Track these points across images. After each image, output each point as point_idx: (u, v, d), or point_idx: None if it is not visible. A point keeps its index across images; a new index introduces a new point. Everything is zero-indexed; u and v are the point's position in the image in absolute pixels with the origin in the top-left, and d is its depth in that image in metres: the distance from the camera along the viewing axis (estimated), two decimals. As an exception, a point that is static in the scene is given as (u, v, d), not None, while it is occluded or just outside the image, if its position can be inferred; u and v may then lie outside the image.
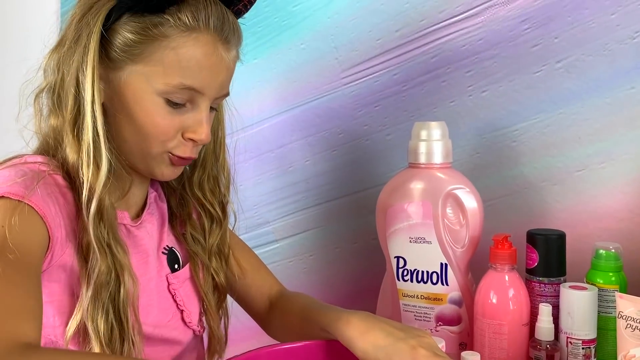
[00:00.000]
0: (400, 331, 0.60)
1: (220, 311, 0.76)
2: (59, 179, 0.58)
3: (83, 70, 0.57)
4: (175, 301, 0.70)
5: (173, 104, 0.60)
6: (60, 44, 0.60)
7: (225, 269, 0.75)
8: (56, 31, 0.66)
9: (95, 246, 0.55)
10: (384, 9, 0.99)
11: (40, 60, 0.62)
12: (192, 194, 0.72)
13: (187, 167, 0.71)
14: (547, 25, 0.91)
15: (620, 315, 0.63)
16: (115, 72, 0.59)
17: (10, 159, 0.60)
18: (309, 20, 1.04)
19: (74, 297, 0.57)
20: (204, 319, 0.74)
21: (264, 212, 1.10)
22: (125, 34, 0.58)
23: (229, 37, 0.61)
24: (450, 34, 0.95)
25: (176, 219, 0.73)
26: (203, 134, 0.62)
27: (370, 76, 1.01)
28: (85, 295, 0.55)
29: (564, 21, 0.90)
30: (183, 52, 0.58)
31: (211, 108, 0.64)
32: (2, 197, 0.52)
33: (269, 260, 1.00)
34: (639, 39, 0.87)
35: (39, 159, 0.59)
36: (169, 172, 0.64)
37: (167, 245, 0.70)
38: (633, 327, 0.62)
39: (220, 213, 0.73)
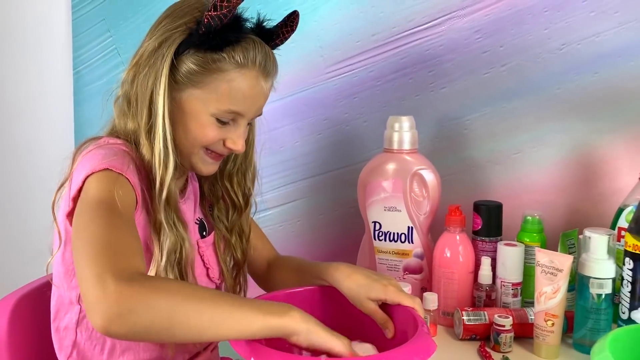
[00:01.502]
0: (376, 275, 0.80)
1: (238, 281, 0.89)
2: (139, 164, 0.73)
3: (157, 89, 0.72)
4: (203, 261, 0.85)
5: (220, 122, 0.75)
6: (137, 62, 0.75)
7: (243, 247, 0.89)
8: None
9: (165, 225, 0.72)
10: (363, 16, 1.17)
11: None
12: (222, 183, 0.86)
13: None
14: (494, 35, 1.11)
15: (538, 264, 0.86)
16: (178, 92, 0.74)
17: (91, 140, 0.75)
18: (299, 22, 1.21)
19: (149, 252, 0.73)
20: (222, 285, 0.89)
21: (257, 184, 1.29)
22: (189, 64, 0.73)
23: (269, 71, 0.77)
24: (417, 39, 1.15)
25: (205, 199, 0.88)
26: (240, 145, 0.77)
27: (350, 72, 1.19)
28: (161, 259, 0.72)
29: (508, 33, 1.10)
30: (234, 84, 0.73)
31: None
32: (107, 169, 0.68)
33: (262, 225, 1.16)
34: (565, 49, 1.09)
35: (119, 141, 0.74)
36: (209, 168, 0.80)
37: (198, 217, 0.86)
38: (546, 272, 0.85)
39: (242, 202, 0.87)
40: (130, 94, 0.75)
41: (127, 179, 0.69)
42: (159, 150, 0.72)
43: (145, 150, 0.73)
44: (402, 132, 1.01)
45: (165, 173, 0.72)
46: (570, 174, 1.11)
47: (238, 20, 0.74)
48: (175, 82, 0.74)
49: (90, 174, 0.68)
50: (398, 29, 1.15)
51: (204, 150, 0.78)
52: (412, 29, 1.15)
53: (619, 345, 0.65)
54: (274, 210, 1.28)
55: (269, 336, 0.63)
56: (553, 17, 1.08)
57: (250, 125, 0.84)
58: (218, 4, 0.70)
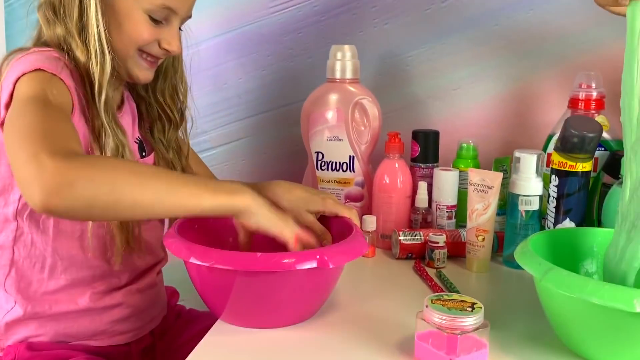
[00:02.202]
0: (315, 190, 0.85)
1: None
2: (72, 68, 0.71)
3: None
4: None
5: (154, 20, 0.75)
6: None
7: (183, 164, 0.90)
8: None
9: (107, 127, 0.71)
10: (307, -51, 1.17)
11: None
12: (155, 99, 0.86)
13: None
14: (435, -29, 1.14)
15: (470, 183, 0.90)
16: None
17: (17, 51, 0.72)
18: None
19: None
20: None
21: (201, 123, 1.24)
22: None
23: None
24: (361, -26, 1.16)
25: (144, 120, 0.88)
26: (175, 45, 0.78)
27: (295, 6, 1.18)
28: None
29: (448, -31, 1.13)
30: None
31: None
32: (39, 69, 0.66)
33: (207, 164, 1.18)
34: (503, -14, 1.12)
35: (51, 49, 0.72)
36: (144, 74, 0.79)
37: (137, 137, 0.86)
38: (478, 190, 0.89)
39: (177, 117, 0.88)
40: (56, 0, 0.73)
41: (62, 79, 0.68)
42: (94, 50, 0.71)
43: (79, 52, 0.72)
44: (345, 60, 1.02)
45: (102, 75, 0.71)
46: (505, 107, 1.15)
47: None
48: None
49: (21, 76, 0.66)
50: (342, -37, 1.16)
51: (139, 53, 0.77)
52: (356, -38, 1.15)
53: (539, 245, 0.70)
54: (219, 149, 1.28)
55: (217, 215, 0.64)
56: (491, -46, 1.11)
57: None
58: None
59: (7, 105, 0.67)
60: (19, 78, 0.66)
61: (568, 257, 0.72)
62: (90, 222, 0.73)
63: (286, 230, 0.67)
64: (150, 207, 0.61)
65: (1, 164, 0.73)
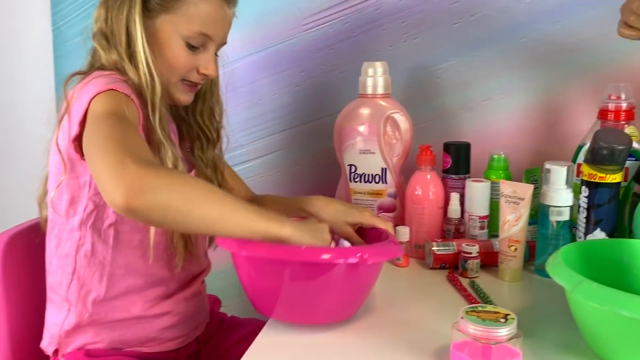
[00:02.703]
0: (352, 204, 0.91)
1: None
2: (128, 82, 0.77)
3: (132, 16, 0.77)
4: None
5: (191, 47, 0.81)
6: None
7: (218, 180, 0.95)
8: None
9: (165, 142, 0.77)
10: (337, -31, 1.21)
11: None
12: (195, 120, 0.92)
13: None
14: (463, -14, 1.16)
15: (502, 195, 0.92)
16: (150, 20, 0.79)
17: (83, 73, 0.79)
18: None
19: None
20: None
21: (237, 137, 1.32)
22: None
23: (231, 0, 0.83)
24: (390, -9, 1.19)
25: (184, 139, 0.94)
26: (212, 69, 0.83)
27: (326, 24, 1.23)
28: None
29: (476, -17, 1.16)
30: (202, 7, 0.80)
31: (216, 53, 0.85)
32: (113, 89, 0.72)
33: (243, 177, 1.21)
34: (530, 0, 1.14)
35: (114, 72, 0.78)
36: (185, 97, 0.85)
37: (180, 157, 0.91)
38: (509, 201, 0.91)
39: (214, 136, 0.94)
40: (106, 29, 0.80)
41: (132, 99, 0.74)
42: (144, 73, 0.77)
43: (132, 74, 0.78)
44: (376, 77, 1.06)
45: (154, 95, 0.77)
46: (535, 118, 1.17)
47: None
48: (147, 11, 0.79)
49: (95, 95, 0.72)
50: (372, -19, 1.19)
51: (182, 81, 0.83)
52: (385, -20, 1.19)
53: (570, 256, 0.72)
54: (254, 161, 1.32)
55: (265, 240, 0.69)
56: (519, -32, 1.13)
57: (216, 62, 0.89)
58: None
59: (81, 123, 0.72)
60: (93, 97, 0.72)
61: (599, 269, 0.74)
62: (152, 231, 0.79)
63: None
64: (214, 223, 0.66)
65: (71, 177, 0.78)
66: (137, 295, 0.82)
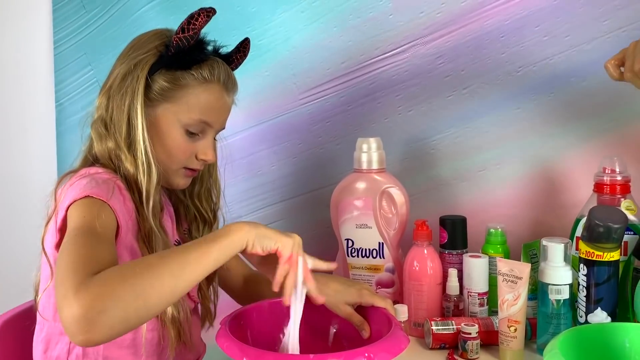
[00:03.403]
0: (350, 281, 0.89)
1: (210, 291, 0.95)
2: (120, 184, 0.78)
3: (134, 105, 0.79)
4: None
5: (190, 134, 0.83)
6: (110, 86, 0.82)
7: None
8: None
9: (157, 231, 0.77)
10: (332, 46, 1.24)
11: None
12: (193, 203, 0.93)
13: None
14: (456, 60, 1.18)
15: (499, 273, 0.91)
16: (152, 109, 0.81)
17: (74, 172, 0.80)
18: (272, 52, 1.27)
19: None
20: (199, 294, 0.95)
21: (237, 208, 1.33)
22: (162, 82, 0.81)
23: (230, 87, 0.86)
24: (384, 66, 1.21)
25: (181, 223, 0.94)
26: (211, 155, 0.85)
27: (322, 98, 1.26)
28: None
29: (467, 58, 1.18)
30: (202, 97, 0.82)
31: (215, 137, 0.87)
32: (89, 196, 0.72)
33: None
34: (522, 72, 1.16)
35: (100, 170, 0.79)
36: (184, 182, 0.87)
37: (177, 239, 0.91)
38: (507, 280, 0.90)
39: (211, 217, 0.95)
40: (106, 117, 0.81)
41: (109, 205, 0.73)
42: (141, 162, 0.78)
43: (128, 164, 0.79)
44: (371, 152, 1.07)
45: (149, 184, 0.78)
46: (532, 188, 1.16)
47: (202, 43, 0.83)
48: (149, 100, 0.81)
49: (72, 203, 0.72)
50: (365, 57, 1.22)
51: (184, 170, 0.85)
52: (379, 56, 1.22)
53: (569, 344, 0.70)
54: (253, 232, 1.32)
55: (229, 257, 0.67)
56: (509, 42, 1.16)
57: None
58: (185, 27, 0.79)
59: (60, 229, 0.73)
60: (70, 205, 0.72)
61: (599, 355, 0.72)
62: (144, 329, 0.78)
63: (288, 243, 0.72)
64: (174, 288, 0.63)
65: None
66: None
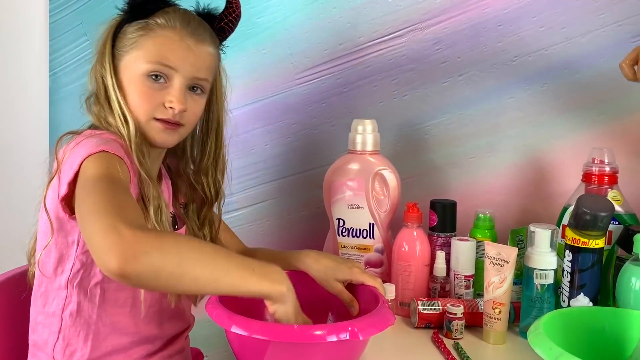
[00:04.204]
0: (341, 259, 0.91)
1: None
2: (122, 143, 0.79)
3: (104, 67, 0.81)
4: None
5: (154, 78, 0.81)
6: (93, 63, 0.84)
7: (212, 236, 0.94)
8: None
9: (145, 176, 0.77)
10: (331, 27, 1.24)
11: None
12: (198, 179, 0.92)
13: (194, 154, 0.92)
14: (452, 47, 1.19)
15: (486, 256, 0.93)
16: (118, 63, 0.82)
17: (76, 133, 0.80)
18: (270, 30, 1.27)
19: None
20: None
21: (229, 185, 1.34)
22: (124, 36, 0.82)
23: (192, 31, 0.83)
24: (381, 49, 1.22)
25: (178, 196, 0.94)
26: (177, 101, 0.81)
27: (319, 79, 1.26)
28: (148, 216, 0.77)
29: (464, 45, 1.19)
30: (158, 40, 0.81)
31: (195, 89, 0.84)
32: (104, 151, 0.73)
33: (233, 225, 1.21)
34: (517, 61, 1.17)
35: (105, 132, 0.80)
36: (163, 136, 0.83)
37: (172, 212, 0.91)
38: (494, 264, 0.92)
39: (213, 194, 0.93)
40: (92, 88, 0.84)
41: (122, 159, 0.75)
42: (119, 116, 0.80)
43: (110, 118, 0.80)
44: (365, 134, 1.08)
45: (129, 135, 0.79)
46: (521, 176, 1.19)
47: None
48: (114, 58, 0.83)
49: (87, 157, 0.72)
50: (363, 39, 1.23)
51: (154, 120, 0.82)
52: (377, 39, 1.22)
53: (552, 325, 0.72)
54: (245, 210, 1.33)
55: (256, 297, 0.70)
56: (506, 32, 1.17)
57: (218, 116, 0.91)
58: None
59: (70, 183, 0.73)
60: (84, 159, 0.72)
61: (581, 337, 0.75)
62: (142, 291, 0.79)
63: (284, 320, 0.73)
64: (206, 283, 0.67)
65: (59, 236, 0.78)
66: (122, 355, 0.81)
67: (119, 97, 0.81)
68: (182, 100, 0.82)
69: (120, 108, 0.80)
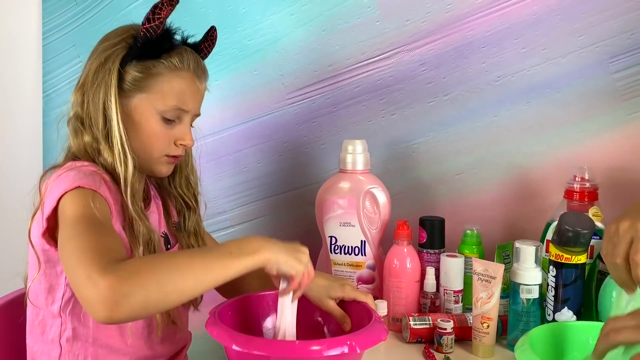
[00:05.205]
0: (333, 277, 0.93)
1: None
2: (105, 176, 0.81)
3: (109, 97, 0.81)
4: None
5: (167, 121, 0.85)
6: (84, 83, 0.84)
7: (199, 244, 0.96)
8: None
9: (136, 216, 0.79)
10: (320, 48, 1.27)
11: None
12: (177, 191, 0.96)
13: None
14: (438, 68, 1.23)
15: (474, 272, 0.97)
16: (126, 99, 0.83)
17: (60, 166, 0.82)
18: (261, 52, 1.30)
19: (129, 253, 0.80)
20: None
21: (222, 203, 1.35)
22: (134, 73, 0.83)
23: (201, 75, 0.88)
24: (369, 70, 1.25)
25: (170, 216, 0.96)
26: (189, 139, 0.87)
27: (309, 99, 1.29)
28: (138, 252, 0.79)
29: (450, 66, 1.23)
30: (174, 84, 0.84)
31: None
32: (80, 187, 0.75)
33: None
34: (501, 81, 1.21)
35: (85, 163, 0.81)
36: (166, 169, 0.89)
37: (163, 231, 0.94)
38: (482, 280, 0.95)
39: (194, 203, 0.97)
40: (82, 113, 0.84)
41: (100, 194, 0.77)
42: (118, 152, 0.81)
43: (106, 154, 0.81)
44: (356, 154, 1.11)
45: (126, 172, 0.81)
46: (506, 192, 1.22)
47: (169, 32, 0.85)
48: (123, 92, 0.83)
49: (64, 194, 0.75)
50: (352, 61, 1.26)
51: (166, 157, 0.87)
52: (365, 60, 1.26)
53: (537, 340, 0.76)
54: (238, 227, 1.35)
55: (247, 272, 0.73)
56: (489, 53, 1.21)
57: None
58: (150, 17, 0.81)
59: (49, 219, 0.75)
60: (62, 196, 0.75)
61: (566, 350, 0.78)
62: None
63: (297, 276, 0.77)
64: (193, 289, 0.69)
65: (47, 267, 0.81)
66: None
67: (123, 133, 0.81)
68: (191, 137, 0.88)
69: (122, 144, 0.81)
